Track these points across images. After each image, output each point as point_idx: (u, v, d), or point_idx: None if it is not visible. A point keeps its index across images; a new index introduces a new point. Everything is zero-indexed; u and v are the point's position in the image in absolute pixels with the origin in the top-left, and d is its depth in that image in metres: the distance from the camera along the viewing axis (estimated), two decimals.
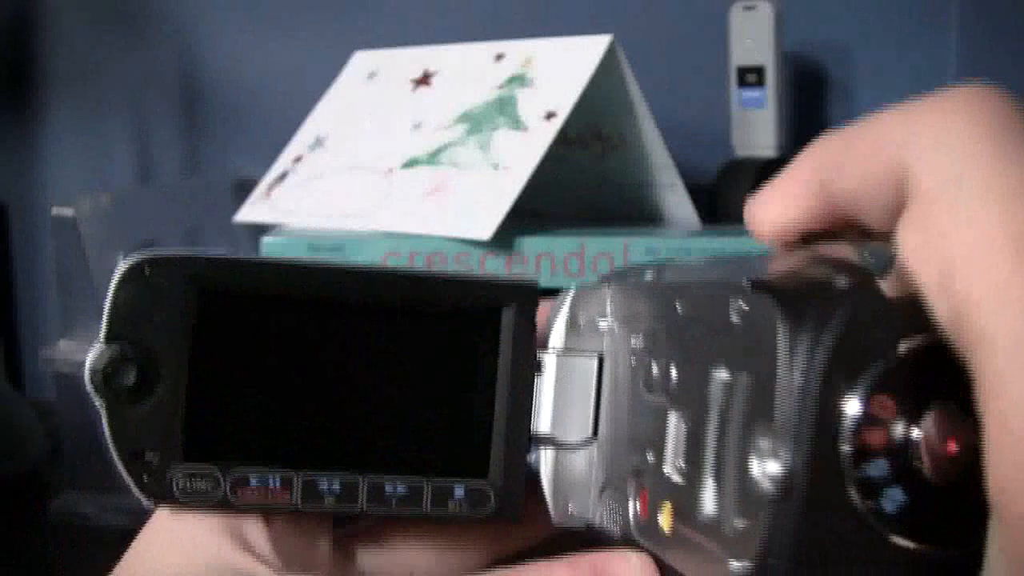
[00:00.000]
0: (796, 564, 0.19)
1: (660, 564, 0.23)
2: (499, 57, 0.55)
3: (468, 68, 0.56)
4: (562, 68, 0.51)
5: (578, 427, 0.26)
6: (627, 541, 0.24)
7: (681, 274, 0.25)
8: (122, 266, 0.25)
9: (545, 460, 0.26)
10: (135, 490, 0.26)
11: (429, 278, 0.26)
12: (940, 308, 0.17)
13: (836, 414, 0.19)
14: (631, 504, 0.24)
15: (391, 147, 0.54)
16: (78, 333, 0.54)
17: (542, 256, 0.48)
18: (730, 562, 0.19)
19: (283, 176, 0.57)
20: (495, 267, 0.48)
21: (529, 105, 0.51)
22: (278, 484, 0.25)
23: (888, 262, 0.19)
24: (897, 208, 0.18)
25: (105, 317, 0.24)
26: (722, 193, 0.63)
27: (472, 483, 0.25)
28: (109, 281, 0.24)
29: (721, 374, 0.21)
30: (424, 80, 0.58)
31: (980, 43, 0.75)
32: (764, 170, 0.63)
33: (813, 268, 0.20)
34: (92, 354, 0.24)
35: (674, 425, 0.23)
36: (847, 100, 0.77)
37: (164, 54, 0.80)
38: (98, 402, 0.25)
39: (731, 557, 0.19)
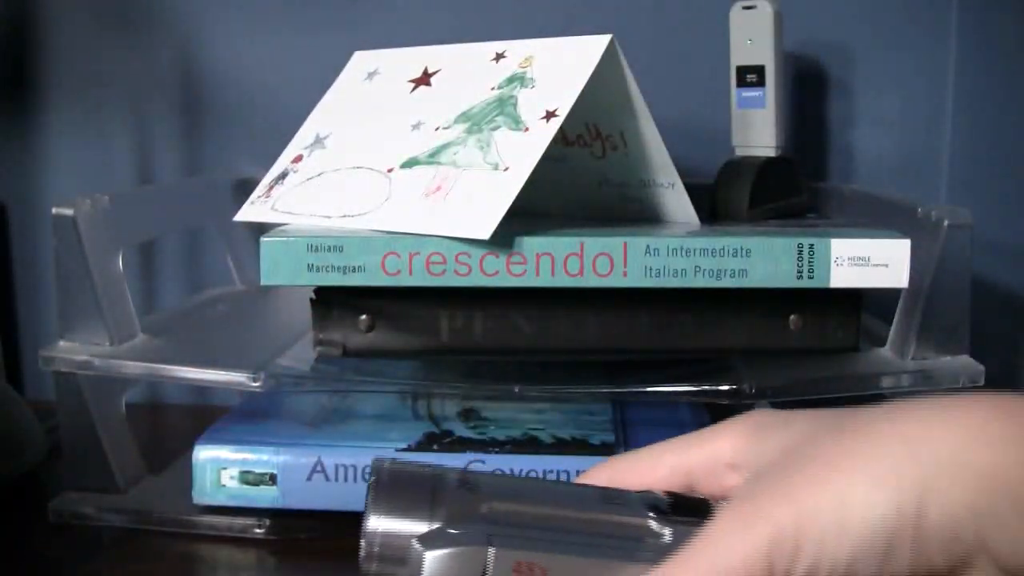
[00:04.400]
0: None
1: None
2: (499, 57, 0.55)
3: (468, 68, 0.56)
4: (562, 68, 0.51)
5: None
6: None
7: None
8: None
9: None
10: None
11: None
12: None
13: None
14: None
15: (391, 147, 0.54)
16: (78, 333, 0.54)
17: (542, 256, 0.48)
18: None
19: (283, 176, 0.57)
20: (495, 267, 0.48)
21: (529, 105, 0.51)
22: None
23: None
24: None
25: None
26: (722, 193, 0.63)
27: None
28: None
29: None
30: (424, 80, 0.58)
31: (980, 43, 0.75)
32: (764, 170, 0.63)
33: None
34: None
35: None
36: (847, 100, 0.77)
37: (164, 54, 0.80)
38: None
39: None
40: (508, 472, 0.52)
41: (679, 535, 0.32)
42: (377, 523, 0.32)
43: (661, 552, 0.31)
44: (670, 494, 0.34)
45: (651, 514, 0.33)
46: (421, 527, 0.32)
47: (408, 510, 0.32)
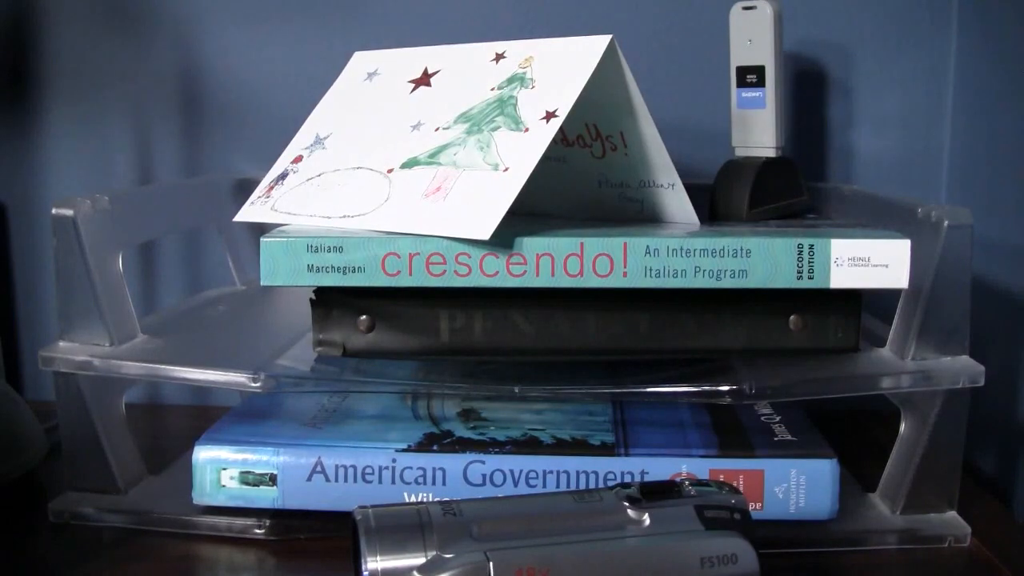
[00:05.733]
0: None
1: None
2: (499, 57, 0.55)
3: (468, 68, 0.56)
4: (562, 68, 0.51)
5: None
6: None
7: None
8: None
9: None
10: None
11: None
12: None
13: None
14: None
15: (391, 147, 0.54)
16: (78, 333, 0.54)
17: (542, 256, 0.48)
18: None
19: (283, 176, 0.57)
20: (495, 267, 0.48)
21: (529, 105, 0.51)
22: None
23: None
24: None
25: None
26: (722, 193, 0.63)
27: None
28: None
29: None
30: (424, 80, 0.58)
31: (980, 43, 0.75)
32: (764, 170, 0.63)
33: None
34: None
35: None
36: (847, 100, 0.77)
37: (164, 54, 0.80)
38: None
39: None
40: (507, 472, 0.52)
41: (656, 518, 0.35)
42: (376, 564, 0.33)
43: (644, 536, 0.35)
44: (639, 483, 0.38)
45: (626, 504, 0.36)
46: (418, 559, 0.33)
47: (402, 545, 0.33)
